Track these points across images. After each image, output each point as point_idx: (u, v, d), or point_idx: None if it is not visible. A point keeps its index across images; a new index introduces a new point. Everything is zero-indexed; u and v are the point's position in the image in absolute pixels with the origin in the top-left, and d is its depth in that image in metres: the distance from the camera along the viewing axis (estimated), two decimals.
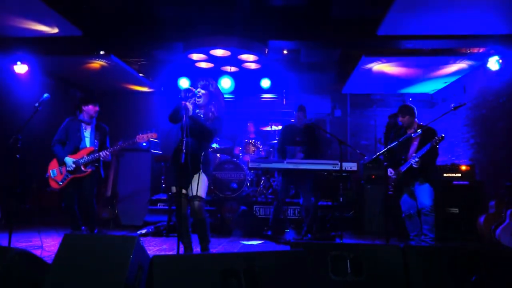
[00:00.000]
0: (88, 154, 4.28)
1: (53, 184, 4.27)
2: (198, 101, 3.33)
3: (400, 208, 4.25)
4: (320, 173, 5.10)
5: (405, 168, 4.07)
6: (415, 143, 4.15)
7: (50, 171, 4.29)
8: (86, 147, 4.34)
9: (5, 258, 1.95)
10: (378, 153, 4.09)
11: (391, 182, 4.20)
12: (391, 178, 4.20)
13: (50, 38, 5.50)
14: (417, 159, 3.92)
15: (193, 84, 3.43)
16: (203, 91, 3.36)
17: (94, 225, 4.44)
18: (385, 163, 4.25)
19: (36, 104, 3.69)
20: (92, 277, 1.95)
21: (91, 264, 1.98)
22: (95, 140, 4.42)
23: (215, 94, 3.44)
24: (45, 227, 5.30)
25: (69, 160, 4.22)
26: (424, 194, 4.05)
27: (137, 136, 4.15)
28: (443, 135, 3.89)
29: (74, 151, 4.29)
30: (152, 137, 4.16)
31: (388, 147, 4.03)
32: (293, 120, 5.39)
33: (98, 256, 2.01)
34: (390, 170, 4.21)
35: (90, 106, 4.40)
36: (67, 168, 4.21)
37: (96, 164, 4.36)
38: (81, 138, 4.34)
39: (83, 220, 4.34)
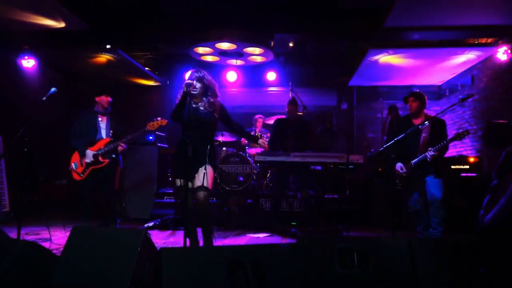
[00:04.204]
0: (105, 145, 4.35)
1: (76, 176, 4.36)
2: (194, 92, 3.37)
3: (407, 202, 4.07)
4: (325, 166, 5.08)
5: (417, 161, 3.86)
6: (424, 135, 3.93)
7: (72, 164, 4.38)
8: (102, 138, 4.40)
9: (15, 251, 1.98)
10: (384, 146, 3.95)
11: (400, 176, 4.01)
12: (400, 172, 3.99)
13: (57, 32, 5.52)
14: (433, 153, 3.70)
15: (188, 77, 3.45)
16: (199, 84, 3.40)
17: (114, 216, 4.52)
18: (391, 155, 4.09)
19: (43, 98, 3.71)
20: (100, 269, 1.97)
21: (99, 257, 2.00)
22: (110, 131, 4.47)
23: (208, 85, 3.48)
24: (53, 220, 5.35)
25: (89, 152, 4.30)
26: (436, 187, 3.86)
27: (148, 124, 4.16)
28: (467, 129, 3.68)
29: (92, 143, 4.37)
30: (163, 123, 4.16)
31: (396, 139, 3.77)
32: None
33: (106, 249, 2.03)
34: (400, 165, 3.97)
35: (103, 97, 4.47)
36: (86, 160, 4.29)
37: (113, 155, 4.38)
38: (97, 130, 4.41)
39: (100, 211, 4.42)
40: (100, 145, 4.35)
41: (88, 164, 4.30)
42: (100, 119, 4.46)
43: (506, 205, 2.32)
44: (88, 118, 4.45)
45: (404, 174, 3.93)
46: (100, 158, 4.29)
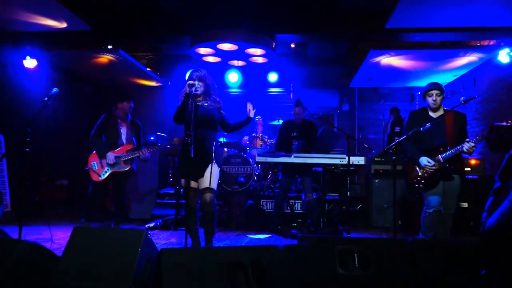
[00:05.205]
0: (127, 151, 4.45)
1: (95, 177, 4.41)
2: (196, 92, 3.36)
3: (428, 201, 3.57)
4: (328, 167, 5.07)
5: (449, 155, 3.48)
6: (448, 128, 3.58)
7: (91, 163, 4.43)
8: (123, 143, 4.48)
9: (16, 251, 1.99)
10: (388, 146, 3.80)
11: (425, 172, 3.56)
12: (428, 165, 3.53)
13: (59, 33, 5.53)
14: (472, 144, 3.33)
15: (189, 77, 3.46)
16: (200, 83, 3.41)
17: (121, 220, 4.65)
18: (400, 155, 3.76)
19: (45, 98, 3.72)
20: (101, 269, 1.97)
21: (100, 257, 2.01)
22: (133, 137, 4.57)
23: (210, 84, 3.50)
24: (54, 220, 5.36)
25: (111, 155, 4.37)
26: (456, 192, 3.56)
27: (174, 139, 4.42)
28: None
29: (113, 146, 4.43)
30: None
31: (410, 133, 3.51)
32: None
33: (107, 249, 2.03)
34: (426, 158, 3.54)
35: (125, 103, 4.55)
36: (108, 162, 4.35)
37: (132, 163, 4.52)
38: (118, 135, 4.48)
39: (105, 212, 4.52)
40: (123, 150, 4.45)
41: (109, 167, 4.35)
42: (120, 124, 4.53)
43: (509, 208, 2.32)
44: (109, 121, 4.52)
45: (432, 170, 3.53)
46: (122, 163, 4.38)
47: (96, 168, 4.39)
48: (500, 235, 2.31)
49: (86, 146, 4.57)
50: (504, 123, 3.66)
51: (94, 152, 4.46)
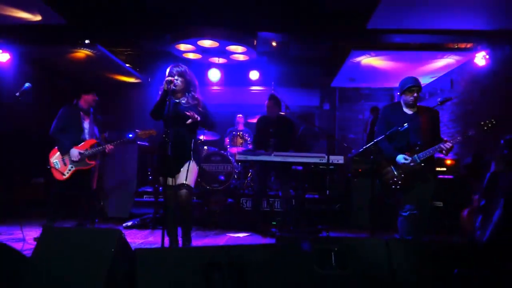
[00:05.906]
0: (91, 147, 4.25)
1: (58, 176, 4.19)
2: (174, 88, 3.29)
3: (403, 203, 3.46)
4: (306, 166, 5.09)
5: (424, 156, 3.36)
6: (423, 126, 3.46)
7: (53, 162, 4.20)
8: (86, 139, 4.30)
9: None
10: (367, 145, 3.73)
11: (401, 172, 3.44)
12: (405, 163, 3.39)
13: (33, 26, 5.34)
14: (450, 145, 3.27)
15: (168, 72, 3.38)
16: (180, 79, 3.35)
17: (95, 217, 4.54)
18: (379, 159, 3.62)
19: (17, 94, 3.58)
20: (72, 271, 1.90)
21: (72, 258, 1.94)
22: (96, 133, 4.41)
23: (189, 80, 3.44)
24: (28, 220, 5.19)
25: (74, 151, 4.16)
26: (431, 194, 3.48)
27: (139, 132, 4.15)
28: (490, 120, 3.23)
29: (76, 142, 4.23)
30: (152, 134, 4.13)
31: (388, 133, 3.42)
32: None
33: (79, 250, 1.97)
34: (403, 156, 3.41)
35: (90, 95, 4.38)
36: (72, 159, 4.15)
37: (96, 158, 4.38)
38: (81, 129, 4.29)
39: (84, 212, 4.41)
40: (86, 145, 4.24)
41: (73, 164, 4.17)
42: (83, 117, 4.35)
43: (502, 214, 2.45)
44: (71, 114, 4.30)
45: (409, 167, 3.40)
46: (86, 160, 4.21)
47: (59, 167, 4.16)
48: (500, 241, 2.43)
49: (33, 143, 4.40)
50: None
51: (55, 148, 4.24)
